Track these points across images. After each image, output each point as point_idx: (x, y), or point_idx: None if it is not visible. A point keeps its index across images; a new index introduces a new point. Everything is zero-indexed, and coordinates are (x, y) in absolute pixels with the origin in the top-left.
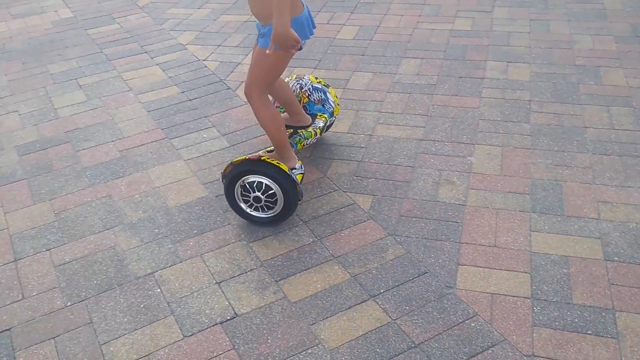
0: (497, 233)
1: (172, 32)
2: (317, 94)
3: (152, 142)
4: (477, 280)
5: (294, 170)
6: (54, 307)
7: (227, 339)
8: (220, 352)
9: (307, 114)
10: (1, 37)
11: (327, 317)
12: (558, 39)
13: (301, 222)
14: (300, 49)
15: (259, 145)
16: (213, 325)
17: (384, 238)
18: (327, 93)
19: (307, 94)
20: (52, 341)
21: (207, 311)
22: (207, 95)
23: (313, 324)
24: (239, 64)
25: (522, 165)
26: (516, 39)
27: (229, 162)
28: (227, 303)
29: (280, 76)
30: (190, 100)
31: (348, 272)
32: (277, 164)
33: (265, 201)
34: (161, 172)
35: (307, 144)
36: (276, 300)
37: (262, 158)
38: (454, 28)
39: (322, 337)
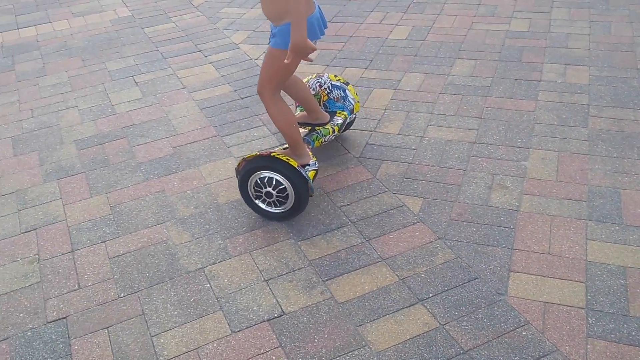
0: (552, 240)
1: (226, 31)
2: (336, 91)
3: (204, 139)
4: (529, 288)
5: (307, 167)
6: (108, 298)
7: (274, 337)
8: (267, 349)
9: (327, 111)
10: (63, 35)
11: (374, 319)
12: (619, 41)
13: (350, 223)
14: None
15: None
16: (260, 322)
17: (434, 242)
18: (347, 90)
19: (326, 92)
20: (106, 331)
21: (254, 308)
22: (256, 94)
23: (360, 325)
24: None
25: (578, 171)
26: (575, 41)
27: (242, 157)
28: (274, 301)
29: (297, 75)
30: (241, 98)
31: (396, 275)
32: (287, 160)
33: (276, 196)
34: (212, 168)
35: (325, 141)
36: (323, 300)
37: (273, 154)
38: (510, 29)
39: (368, 339)
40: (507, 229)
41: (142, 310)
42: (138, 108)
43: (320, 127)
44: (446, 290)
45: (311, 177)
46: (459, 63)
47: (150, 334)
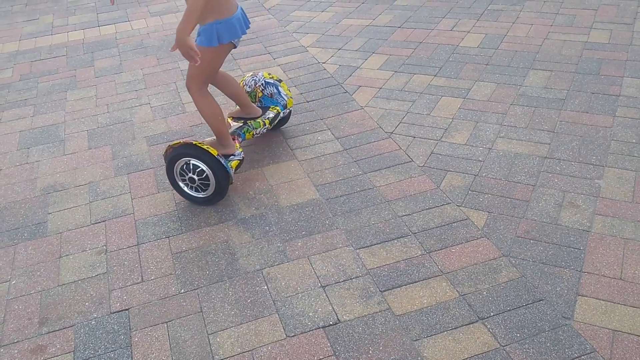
0: (624, 265)
1: (295, 34)
2: (270, 88)
3: (268, 140)
4: (597, 313)
5: (232, 157)
6: (169, 293)
7: (329, 344)
8: (321, 357)
9: (263, 106)
10: (140, 34)
11: (431, 335)
12: None
13: (411, 234)
14: (235, 46)
15: (372, 151)
16: (316, 329)
17: (498, 258)
18: (279, 87)
19: (260, 89)
20: (165, 325)
21: (310, 314)
22: (324, 97)
23: (416, 340)
24: (358, 68)
25: None
26: None
27: (168, 144)
28: (330, 308)
29: (227, 72)
30: (307, 101)
31: (457, 291)
32: (207, 149)
33: (199, 181)
34: (275, 170)
35: (256, 134)
36: (380, 311)
37: (194, 142)
38: (589, 40)
39: (424, 354)
40: (576, 250)
41: (201, 307)
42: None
43: (252, 121)
44: (508, 310)
45: (233, 166)
46: (532, 74)
47: (207, 331)
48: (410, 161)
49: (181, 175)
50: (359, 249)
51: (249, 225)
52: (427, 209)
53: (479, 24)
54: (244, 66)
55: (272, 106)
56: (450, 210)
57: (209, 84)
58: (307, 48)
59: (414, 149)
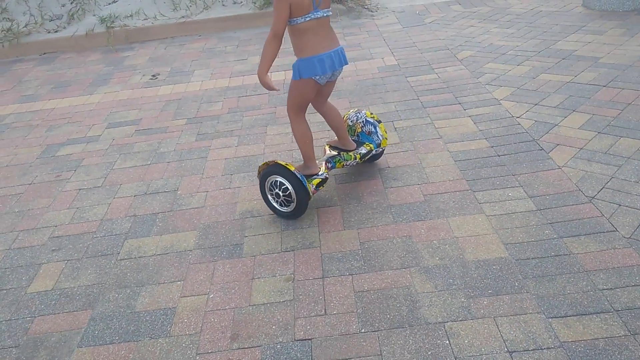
0: None
1: (488, 86)
2: (368, 126)
3: (455, 191)
4: None
5: (314, 176)
6: (350, 330)
7: None
8: None
9: (359, 141)
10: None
11: None
12: None
13: (612, 310)
14: (320, 83)
15: (569, 215)
16: None
17: None
18: (377, 127)
19: (360, 125)
20: None
21: None
22: (517, 153)
23: None
24: (556, 125)
25: None
26: None
27: (262, 164)
28: None
29: (334, 107)
30: (498, 155)
31: None
32: (286, 165)
33: (283, 197)
34: (461, 222)
35: (346, 165)
36: None
37: (279, 162)
38: None
39: None
40: None
41: (381, 350)
42: (394, 152)
43: (345, 153)
44: None
45: (315, 184)
46: None
47: None
48: (614, 230)
49: (270, 190)
50: (552, 318)
51: (432, 275)
52: (633, 285)
53: None
54: (433, 114)
55: (367, 143)
56: None
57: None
58: (500, 101)
59: (619, 217)
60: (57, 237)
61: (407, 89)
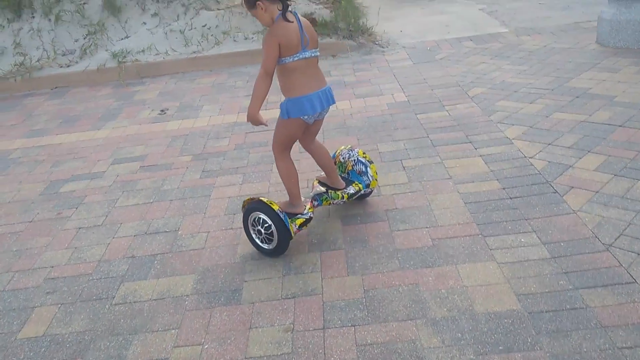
0: None
1: (500, 125)
2: (359, 165)
3: (465, 236)
4: None
5: (299, 215)
6: None
7: None
8: None
9: (348, 179)
10: (344, 114)
11: None
12: None
13: None
14: (308, 122)
15: (585, 264)
16: None
17: None
18: (368, 168)
19: (352, 164)
20: None
21: None
22: (530, 196)
23: None
24: (571, 166)
25: None
26: None
27: (245, 199)
28: None
29: (322, 145)
30: (510, 198)
31: None
32: (269, 203)
33: (265, 233)
34: (471, 270)
35: (333, 203)
36: None
37: (261, 199)
38: None
39: None
40: None
41: None
42: (402, 192)
43: (333, 191)
44: None
45: (298, 223)
46: None
47: None
48: (633, 282)
49: (252, 226)
50: None
51: (440, 328)
52: None
53: None
54: (443, 153)
55: (356, 182)
56: None
57: (308, 151)
58: (513, 140)
59: (638, 268)
60: (52, 278)
61: (417, 127)
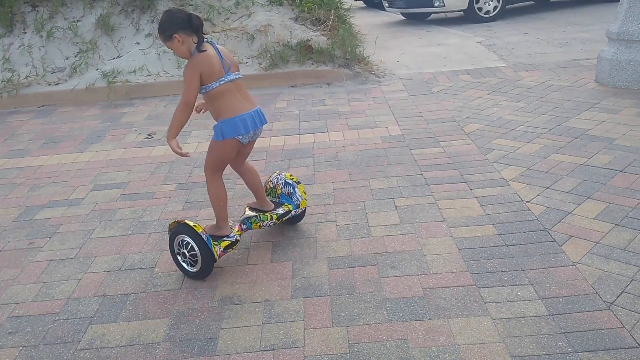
0: None
1: (496, 165)
2: (287, 187)
3: (458, 286)
4: None
5: (224, 238)
6: None
7: None
8: None
9: (279, 202)
10: (336, 146)
11: None
12: None
13: None
14: (242, 143)
15: (585, 323)
16: None
17: None
18: (296, 188)
19: (280, 187)
20: None
21: None
22: (527, 244)
23: None
24: (570, 213)
25: None
26: None
27: (171, 221)
28: None
29: (253, 168)
30: (506, 245)
31: None
32: (193, 226)
33: (189, 256)
34: (464, 326)
35: (263, 225)
36: None
37: (185, 221)
38: None
39: None
40: None
41: None
42: (393, 235)
43: (261, 213)
44: None
45: (223, 246)
46: None
47: None
48: (636, 347)
49: (178, 249)
50: None
51: None
52: None
53: None
54: (437, 193)
55: (285, 203)
56: None
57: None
58: (509, 182)
59: None
60: (16, 317)
61: (411, 163)
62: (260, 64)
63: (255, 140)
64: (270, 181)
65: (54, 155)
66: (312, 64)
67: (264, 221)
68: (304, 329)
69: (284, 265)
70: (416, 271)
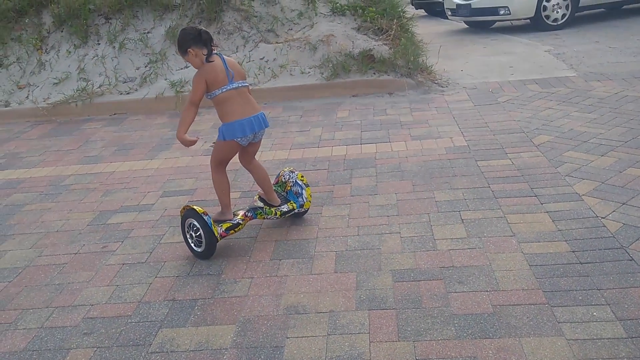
0: None
1: (568, 178)
2: (296, 187)
3: (530, 304)
4: None
5: (225, 220)
6: None
7: None
8: None
9: (286, 197)
10: (399, 156)
11: None
12: None
13: None
14: (241, 144)
15: None
16: None
17: None
18: (304, 190)
19: (290, 184)
20: None
21: None
22: (603, 262)
23: None
24: None
25: None
26: None
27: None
28: None
29: (261, 165)
30: (581, 263)
31: None
32: (197, 210)
33: (195, 237)
34: (536, 346)
35: (266, 218)
36: None
37: (192, 206)
38: None
39: None
40: None
41: None
42: (460, 248)
43: (267, 207)
44: None
45: (225, 227)
46: None
47: None
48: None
49: (188, 231)
50: None
51: None
52: None
53: None
54: (505, 207)
55: (291, 201)
56: None
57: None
58: (582, 196)
59: None
60: (91, 318)
61: (477, 175)
62: (322, 73)
63: (258, 141)
64: (283, 176)
65: (125, 162)
66: (373, 73)
67: (268, 215)
68: (370, 342)
69: (347, 276)
70: (485, 287)
